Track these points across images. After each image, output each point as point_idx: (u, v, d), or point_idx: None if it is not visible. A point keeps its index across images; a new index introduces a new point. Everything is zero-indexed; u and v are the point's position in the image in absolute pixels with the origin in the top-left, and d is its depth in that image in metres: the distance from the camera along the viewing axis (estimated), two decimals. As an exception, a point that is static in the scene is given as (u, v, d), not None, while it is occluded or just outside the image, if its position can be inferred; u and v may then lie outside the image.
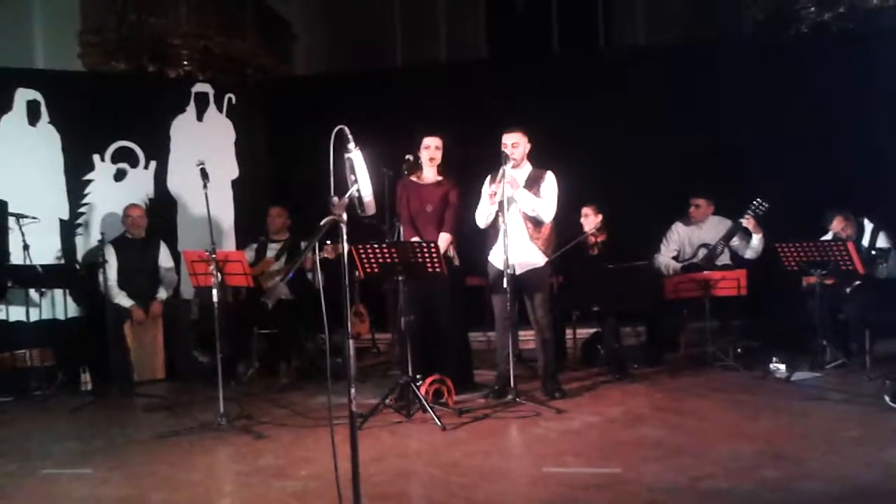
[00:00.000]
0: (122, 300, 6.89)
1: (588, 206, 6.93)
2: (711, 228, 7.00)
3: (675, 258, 7.08)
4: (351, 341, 3.19)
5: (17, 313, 6.93)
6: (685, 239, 7.10)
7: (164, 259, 7.26)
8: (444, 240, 5.74)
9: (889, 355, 6.44)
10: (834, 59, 7.84)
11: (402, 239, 5.96)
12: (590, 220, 6.89)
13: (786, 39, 8.90)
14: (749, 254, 6.79)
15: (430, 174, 5.96)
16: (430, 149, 5.89)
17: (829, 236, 6.54)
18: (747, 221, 6.65)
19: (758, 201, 6.63)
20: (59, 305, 7.23)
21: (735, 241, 6.85)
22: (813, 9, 8.75)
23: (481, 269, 5.98)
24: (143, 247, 7.17)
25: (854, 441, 4.38)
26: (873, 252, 6.25)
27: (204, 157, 5.86)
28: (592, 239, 6.81)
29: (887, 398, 4.95)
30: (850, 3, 8.53)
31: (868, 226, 6.51)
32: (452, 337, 5.90)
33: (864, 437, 4.46)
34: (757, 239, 6.70)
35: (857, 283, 6.36)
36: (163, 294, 7.12)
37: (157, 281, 7.16)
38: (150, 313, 6.97)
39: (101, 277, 6.70)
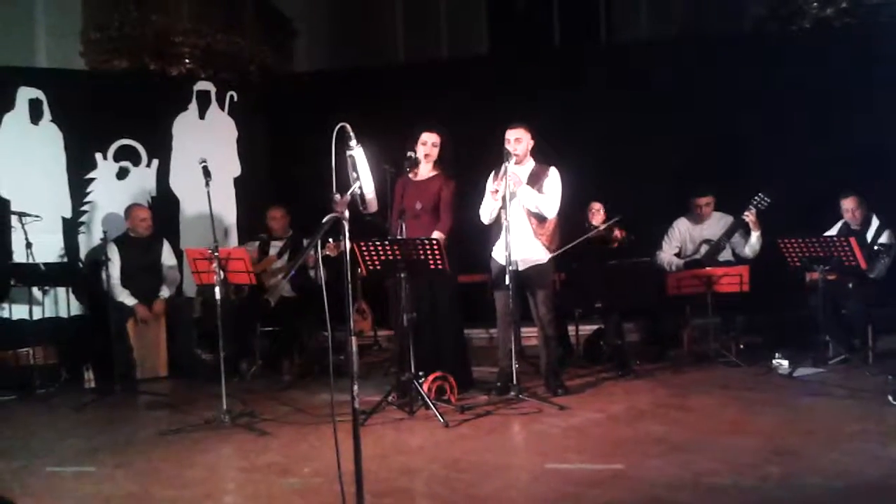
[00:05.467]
0: (126, 299, 6.90)
1: (597, 203, 6.94)
2: (713, 224, 6.99)
3: (678, 255, 7.08)
4: (353, 338, 3.19)
5: (20, 311, 6.95)
6: (687, 235, 7.09)
7: (167, 257, 7.26)
8: (436, 237, 5.72)
9: (892, 351, 6.44)
10: (836, 54, 7.82)
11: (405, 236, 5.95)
12: (599, 217, 6.91)
13: (788, 35, 8.89)
14: (747, 251, 6.76)
15: (425, 170, 5.93)
16: (427, 145, 5.86)
17: (837, 227, 6.53)
18: (749, 216, 6.63)
19: (760, 196, 6.61)
20: (62, 303, 7.25)
21: (735, 238, 6.84)
22: (815, 4, 8.72)
23: (483, 265, 5.98)
24: (147, 245, 7.17)
25: (857, 437, 4.38)
26: (875, 247, 6.23)
27: (206, 154, 5.87)
28: (619, 234, 6.79)
29: (891, 398, 4.93)
30: (853, -2, 8.51)
31: (875, 221, 6.50)
32: (447, 336, 5.87)
33: (867, 432, 4.45)
34: (755, 237, 6.68)
35: (861, 278, 6.35)
36: (165, 292, 7.13)
37: (159, 279, 7.17)
38: (153, 311, 6.98)
39: (104, 275, 6.71)
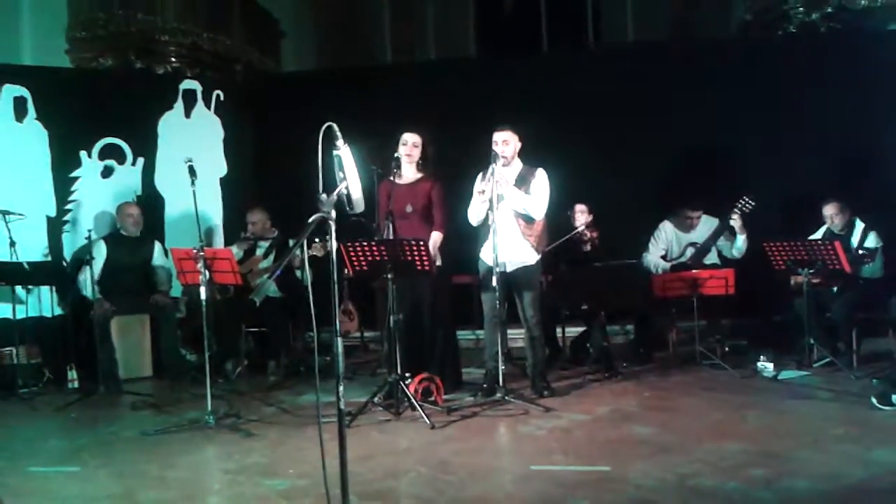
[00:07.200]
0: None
1: (581, 204, 6.96)
2: (699, 228, 7.01)
3: (664, 257, 7.09)
4: (339, 339, 3.17)
5: (3, 310, 6.88)
6: (673, 238, 7.11)
7: (158, 258, 7.21)
8: (436, 237, 5.73)
9: (875, 354, 6.48)
10: (822, 59, 7.87)
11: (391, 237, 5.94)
12: (582, 218, 6.93)
13: (774, 39, 8.93)
14: (734, 253, 6.81)
15: (408, 172, 5.89)
16: (408, 145, 5.83)
17: (821, 231, 6.57)
18: (734, 220, 6.66)
19: (744, 199, 6.65)
20: (45, 303, 7.19)
21: (721, 240, 6.87)
22: (801, 9, 8.78)
23: (471, 266, 5.97)
24: (136, 244, 7.13)
25: (840, 439, 4.40)
26: (861, 251, 6.27)
27: (192, 154, 5.84)
28: (588, 234, 6.81)
29: (874, 400, 4.96)
30: (839, 3, 8.56)
31: (859, 225, 6.54)
32: (437, 336, 5.87)
33: (851, 435, 4.48)
34: (741, 239, 6.72)
35: (846, 282, 6.38)
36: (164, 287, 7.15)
37: (147, 280, 7.13)
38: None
39: (87, 275, 6.65)
